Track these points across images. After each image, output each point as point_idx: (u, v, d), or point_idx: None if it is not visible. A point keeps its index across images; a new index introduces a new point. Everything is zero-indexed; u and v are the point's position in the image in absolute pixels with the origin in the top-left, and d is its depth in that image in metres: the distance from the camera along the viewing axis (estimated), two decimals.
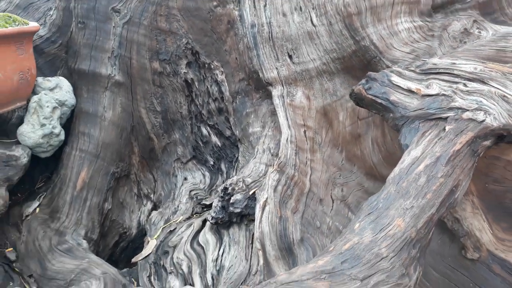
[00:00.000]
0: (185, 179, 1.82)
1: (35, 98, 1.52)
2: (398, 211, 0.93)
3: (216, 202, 1.47)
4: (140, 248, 1.82)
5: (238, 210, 1.41)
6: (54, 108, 1.54)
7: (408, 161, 1.05)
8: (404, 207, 0.93)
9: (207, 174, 1.83)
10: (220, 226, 1.49)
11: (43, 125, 1.52)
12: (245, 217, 1.45)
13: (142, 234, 1.79)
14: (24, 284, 1.40)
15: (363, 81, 1.33)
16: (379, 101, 1.26)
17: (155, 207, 1.82)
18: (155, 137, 1.79)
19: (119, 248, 1.79)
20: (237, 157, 1.77)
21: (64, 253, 1.47)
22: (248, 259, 1.36)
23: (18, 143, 1.54)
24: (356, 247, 0.87)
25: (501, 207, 1.39)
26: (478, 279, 1.30)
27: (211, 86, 1.76)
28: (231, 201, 1.42)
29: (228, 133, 1.78)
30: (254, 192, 1.45)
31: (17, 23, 1.40)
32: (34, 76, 1.51)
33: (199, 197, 1.76)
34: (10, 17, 1.41)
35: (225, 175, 1.80)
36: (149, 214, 1.80)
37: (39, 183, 1.72)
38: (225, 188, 1.45)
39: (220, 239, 1.46)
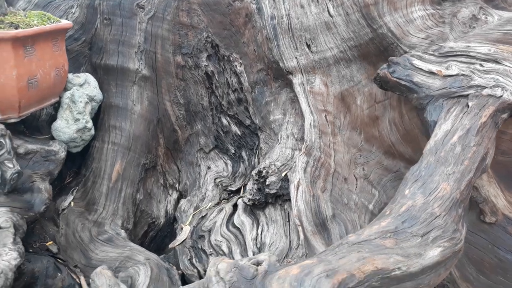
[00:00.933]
0: (209, 168, 1.90)
1: (67, 94, 1.57)
2: (442, 177, 1.04)
3: (251, 185, 1.56)
4: (168, 236, 1.89)
5: (273, 191, 1.51)
6: (86, 103, 1.59)
7: (441, 134, 1.17)
8: (446, 173, 1.05)
9: (229, 162, 1.91)
10: (254, 207, 1.58)
11: (77, 120, 1.56)
12: (279, 198, 1.54)
13: (169, 223, 1.86)
14: (71, 274, 1.45)
15: (385, 65, 1.45)
16: (403, 83, 1.38)
17: (180, 196, 1.89)
18: (179, 129, 1.86)
19: (148, 238, 1.85)
20: (258, 145, 1.86)
21: (105, 243, 1.52)
22: (287, 236, 1.46)
23: (52, 138, 1.58)
24: (412, 209, 0.98)
25: (510, 176, 1.55)
26: (496, 240, 1.44)
27: (230, 77, 1.84)
28: (266, 183, 1.51)
29: (247, 122, 1.87)
30: (286, 174, 1.55)
31: (52, 21, 1.44)
32: (66, 72, 1.55)
33: (224, 184, 1.84)
34: (45, 15, 1.45)
35: (246, 163, 1.89)
36: (175, 203, 1.87)
37: (68, 178, 1.76)
38: (260, 172, 1.55)
39: (256, 220, 1.55)
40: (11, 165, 1.28)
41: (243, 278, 0.87)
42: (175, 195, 1.89)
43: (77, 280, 1.44)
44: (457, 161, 1.07)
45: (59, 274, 1.43)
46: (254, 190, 1.53)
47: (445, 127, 1.19)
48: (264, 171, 1.53)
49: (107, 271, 1.00)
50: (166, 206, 1.87)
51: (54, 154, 1.49)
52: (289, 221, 1.49)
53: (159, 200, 1.86)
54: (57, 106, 1.62)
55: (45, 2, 1.80)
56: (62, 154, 1.51)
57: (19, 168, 1.29)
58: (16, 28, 1.29)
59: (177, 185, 1.89)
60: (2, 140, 1.27)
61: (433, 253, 0.91)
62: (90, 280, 0.98)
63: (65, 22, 1.49)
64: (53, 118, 1.65)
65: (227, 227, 1.59)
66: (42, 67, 1.39)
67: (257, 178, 1.54)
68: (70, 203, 1.62)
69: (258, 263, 0.91)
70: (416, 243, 0.92)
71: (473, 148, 1.10)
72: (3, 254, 1.16)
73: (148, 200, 1.83)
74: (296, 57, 1.70)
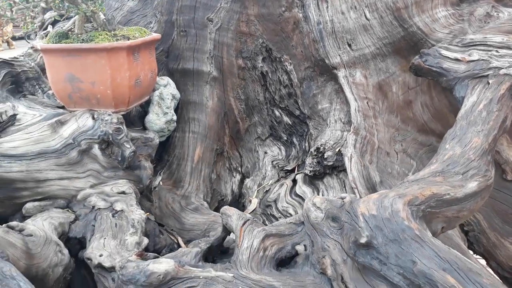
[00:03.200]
0: (265, 153, 2.23)
1: (157, 92, 1.92)
2: (473, 134, 1.37)
3: (310, 160, 1.89)
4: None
5: (331, 163, 1.84)
6: (171, 100, 1.95)
7: (469, 104, 1.50)
8: (476, 131, 1.38)
9: (282, 147, 2.25)
10: (313, 178, 1.91)
11: (165, 113, 1.92)
12: (335, 169, 1.87)
13: (235, 199, 2.19)
14: (169, 236, 1.79)
15: (418, 56, 1.79)
16: (434, 69, 1.71)
17: (243, 178, 2.22)
18: (240, 120, 2.20)
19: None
20: (307, 131, 2.19)
21: (193, 211, 1.86)
22: None
23: (144, 129, 1.93)
24: (453, 156, 1.30)
25: None
26: None
27: (281, 75, 2.18)
28: (324, 156, 1.84)
29: (297, 112, 2.21)
30: (339, 150, 1.88)
31: (147, 34, 1.80)
32: (156, 75, 1.91)
33: (280, 165, 2.17)
34: (141, 29, 1.81)
35: (297, 147, 2.22)
36: (239, 183, 2.21)
37: (152, 164, 2.11)
38: (317, 148, 1.88)
39: (316, 188, 1.88)
40: (128, 146, 1.62)
41: (334, 206, 1.20)
42: (238, 176, 2.22)
43: (175, 240, 1.77)
44: (484, 122, 1.40)
45: (162, 235, 1.77)
46: (314, 163, 1.86)
47: (472, 99, 1.52)
48: (321, 148, 1.87)
49: (232, 208, 1.33)
50: (232, 186, 2.20)
51: (150, 140, 1.84)
52: (345, 187, 1.82)
53: (225, 181, 2.20)
54: (144, 104, 1.97)
55: (126, 20, 2.17)
56: (157, 140, 1.86)
57: (134, 148, 1.64)
58: (128, 39, 1.65)
59: (239, 168, 2.23)
60: (121, 127, 1.62)
61: (472, 185, 1.23)
62: (220, 213, 1.30)
63: (156, 34, 1.85)
64: (141, 114, 2.01)
65: (290, 196, 1.91)
66: (143, 70, 1.75)
67: (315, 153, 1.87)
68: (159, 182, 1.96)
69: (342, 198, 1.23)
70: (459, 179, 1.24)
71: (495, 113, 1.43)
72: (134, 210, 1.50)
73: (218, 180, 2.16)
74: (339, 55, 2.04)
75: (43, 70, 2.05)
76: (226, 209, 1.28)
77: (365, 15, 1.98)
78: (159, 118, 1.90)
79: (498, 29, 1.75)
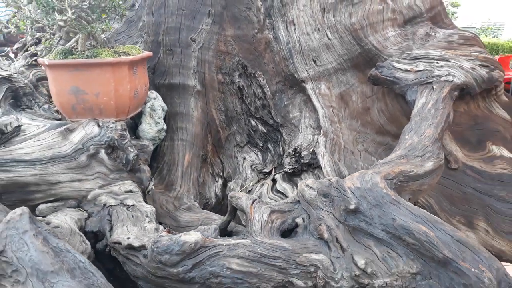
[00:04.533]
0: (244, 158, 2.47)
1: (148, 104, 2.12)
2: (426, 126, 1.70)
3: (289, 159, 2.16)
4: (219, 212, 2.42)
5: (307, 161, 2.11)
6: (161, 111, 2.15)
7: (420, 105, 1.85)
8: (428, 124, 1.71)
9: (259, 153, 2.50)
10: (292, 176, 2.17)
11: (157, 123, 2.11)
12: (310, 166, 2.15)
13: (219, 202, 2.40)
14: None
15: (374, 69, 2.14)
16: (389, 78, 2.06)
17: (225, 182, 2.44)
18: (221, 130, 2.43)
19: None
20: (280, 138, 2.47)
21: (187, 210, 2.05)
22: None
23: (137, 138, 2.11)
24: (412, 144, 1.62)
25: (462, 139, 2.25)
26: (459, 180, 2.11)
27: (256, 89, 2.46)
28: (301, 155, 2.12)
29: (271, 121, 2.48)
30: (313, 150, 2.16)
31: (141, 51, 2.01)
32: (148, 88, 2.11)
33: (258, 169, 2.42)
34: (135, 47, 2.02)
35: (272, 152, 2.48)
36: (222, 187, 2.42)
37: None
38: (295, 149, 2.15)
39: (294, 184, 2.14)
40: (132, 150, 1.81)
41: (324, 186, 1.46)
42: (220, 181, 2.44)
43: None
44: (433, 117, 1.74)
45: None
46: (293, 162, 2.13)
47: (422, 101, 1.87)
48: (298, 148, 2.14)
49: (239, 192, 1.54)
50: (215, 190, 2.41)
51: (146, 147, 2.02)
52: None
53: (209, 185, 2.41)
54: (134, 116, 2.15)
55: (113, 40, 2.35)
56: (151, 147, 2.05)
57: (137, 152, 1.83)
58: (128, 55, 1.86)
59: (221, 174, 2.45)
60: (125, 133, 1.81)
61: (429, 165, 1.55)
62: (229, 198, 1.51)
63: (148, 52, 2.06)
64: (131, 125, 2.18)
65: (272, 193, 2.16)
66: (139, 84, 1.95)
67: (293, 153, 2.14)
68: (152, 187, 2.13)
69: (329, 180, 1.50)
70: (419, 160, 1.56)
71: (441, 110, 1.78)
72: (144, 205, 1.68)
73: (202, 185, 2.36)
74: (306, 70, 2.35)
75: (35, 86, 2.18)
76: (235, 193, 1.50)
77: (327, 36, 2.32)
78: (152, 128, 2.09)
79: (436, 46, 2.14)
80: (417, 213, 1.28)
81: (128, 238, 1.38)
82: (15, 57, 2.68)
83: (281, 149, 2.46)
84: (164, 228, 1.85)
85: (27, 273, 1.03)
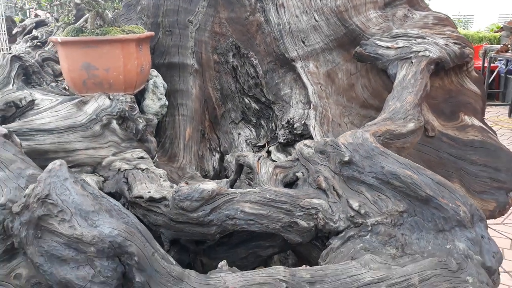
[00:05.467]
0: (239, 134, 2.65)
1: (151, 81, 2.27)
2: (407, 94, 1.91)
3: (283, 131, 2.34)
4: None
5: (299, 132, 2.30)
6: (163, 88, 2.30)
7: (401, 76, 2.06)
8: (409, 92, 1.92)
9: (252, 129, 2.68)
10: (285, 146, 2.36)
11: (159, 99, 2.26)
12: (302, 137, 2.34)
13: (216, 174, 2.57)
14: None
15: (358, 47, 2.34)
16: (372, 55, 2.27)
17: (222, 156, 2.61)
18: (217, 107, 2.60)
19: None
20: (272, 114, 2.65)
21: (190, 179, 2.21)
22: None
23: (141, 113, 2.26)
24: (395, 109, 1.83)
25: (438, 110, 2.48)
26: (436, 146, 2.34)
27: (249, 69, 2.63)
28: (294, 127, 2.31)
29: (263, 99, 2.66)
30: (304, 122, 2.35)
31: (144, 31, 2.16)
32: (151, 66, 2.25)
33: (253, 143, 2.60)
34: (139, 27, 2.16)
35: (265, 128, 2.67)
36: (219, 161, 2.59)
37: None
38: (288, 121, 2.34)
39: (288, 154, 2.33)
40: (141, 120, 1.96)
41: (320, 144, 1.65)
42: (217, 155, 2.61)
43: None
44: (413, 86, 1.95)
45: None
46: (286, 133, 2.32)
47: (403, 73, 2.08)
48: (291, 121, 2.33)
49: (245, 151, 1.72)
50: (213, 163, 2.58)
51: (151, 120, 2.17)
52: None
53: (207, 159, 2.57)
54: (137, 93, 2.30)
55: (119, 19, 2.48)
56: (155, 120, 2.20)
57: (145, 122, 1.98)
58: (135, 33, 2.00)
59: (218, 148, 2.62)
60: (134, 105, 1.96)
61: (411, 125, 1.76)
62: (236, 157, 1.68)
63: (151, 32, 2.20)
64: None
65: None
66: (144, 60, 2.10)
67: (287, 125, 2.33)
68: (155, 159, 2.29)
69: (324, 140, 1.69)
70: (402, 122, 1.77)
71: (420, 80, 2.00)
72: (156, 169, 1.84)
73: (201, 159, 2.53)
74: (296, 50, 2.53)
75: (41, 66, 2.30)
76: (241, 153, 1.68)
77: (314, 18, 2.51)
78: (155, 103, 2.25)
79: (414, 25, 2.36)
80: (403, 162, 1.48)
81: (148, 192, 1.54)
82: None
83: (273, 124, 2.64)
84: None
85: (71, 213, 1.18)
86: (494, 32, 10.52)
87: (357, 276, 1.22)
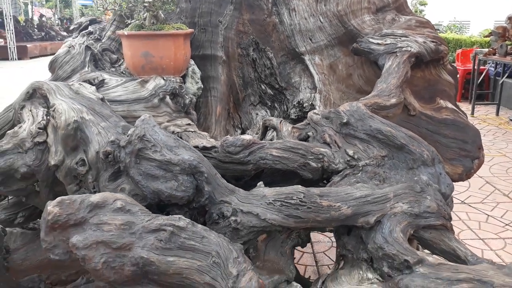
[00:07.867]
0: (257, 114, 3.23)
1: (190, 68, 2.85)
2: (391, 78, 2.50)
3: (294, 110, 2.93)
4: None
5: (307, 110, 2.89)
6: (199, 73, 2.89)
7: (387, 66, 2.65)
8: (393, 77, 2.51)
9: (268, 110, 3.26)
10: (295, 122, 2.94)
11: (197, 82, 2.85)
12: None
13: None
14: None
15: (355, 43, 2.93)
16: (366, 50, 2.86)
17: (243, 132, 3.19)
18: (239, 92, 3.18)
19: None
20: (284, 98, 3.23)
21: None
22: None
23: None
24: (382, 89, 2.42)
25: (419, 95, 3.07)
26: (416, 123, 2.93)
27: (265, 61, 3.21)
28: (303, 106, 2.89)
29: (277, 86, 3.24)
30: (311, 103, 2.94)
31: (187, 29, 2.74)
32: (190, 56, 2.84)
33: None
34: (183, 25, 2.75)
35: (278, 109, 3.25)
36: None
37: None
38: (298, 102, 2.93)
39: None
40: (187, 97, 2.54)
41: (325, 112, 2.23)
42: (239, 131, 3.19)
43: None
44: (396, 72, 2.54)
45: None
46: (297, 111, 2.90)
47: (389, 63, 2.67)
48: (301, 101, 2.92)
49: (270, 117, 2.31)
50: None
51: (191, 99, 2.76)
52: None
53: (231, 134, 3.15)
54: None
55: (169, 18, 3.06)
56: (194, 99, 2.78)
57: (190, 98, 2.56)
58: (182, 30, 2.59)
59: (240, 125, 3.20)
60: (182, 84, 2.54)
61: (393, 100, 2.35)
62: (263, 121, 2.26)
63: (192, 29, 2.79)
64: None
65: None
66: (187, 51, 2.69)
67: (297, 105, 2.92)
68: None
69: (328, 110, 2.27)
70: (386, 97, 2.36)
71: (402, 68, 2.59)
72: (201, 132, 2.42)
73: (227, 133, 3.11)
74: (304, 46, 3.12)
75: (101, 55, 2.88)
76: (267, 117, 2.26)
77: (320, 20, 3.11)
78: (193, 86, 2.83)
79: (399, 27, 2.96)
80: (385, 122, 2.07)
81: (201, 143, 2.12)
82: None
83: (285, 107, 3.23)
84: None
85: (161, 146, 1.76)
86: (484, 37, 11.16)
87: (351, 193, 1.80)
